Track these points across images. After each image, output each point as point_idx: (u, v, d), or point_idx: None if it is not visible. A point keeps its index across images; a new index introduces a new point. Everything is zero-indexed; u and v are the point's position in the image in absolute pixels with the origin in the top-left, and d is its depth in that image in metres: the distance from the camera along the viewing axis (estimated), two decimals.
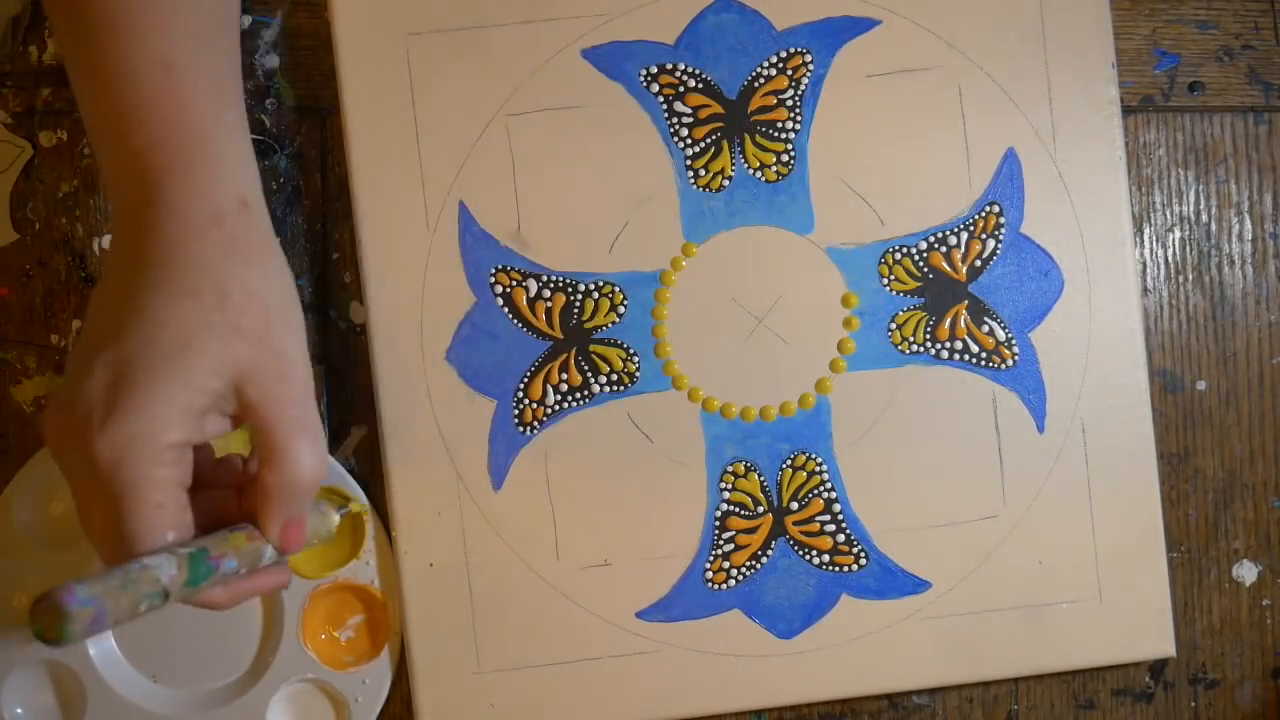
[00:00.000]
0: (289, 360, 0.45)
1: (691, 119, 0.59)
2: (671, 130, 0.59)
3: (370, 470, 0.60)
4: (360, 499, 0.59)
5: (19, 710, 0.59)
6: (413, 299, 0.59)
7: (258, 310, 0.44)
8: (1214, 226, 0.61)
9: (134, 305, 0.43)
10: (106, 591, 0.40)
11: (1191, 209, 0.61)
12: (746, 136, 0.59)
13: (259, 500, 0.45)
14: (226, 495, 0.47)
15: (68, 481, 0.44)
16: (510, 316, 0.59)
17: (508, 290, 0.59)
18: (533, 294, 0.59)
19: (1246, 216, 0.61)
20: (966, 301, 0.59)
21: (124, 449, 0.41)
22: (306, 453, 0.44)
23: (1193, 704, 0.62)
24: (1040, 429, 0.59)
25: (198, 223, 0.44)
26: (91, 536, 0.43)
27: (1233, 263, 0.61)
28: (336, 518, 0.52)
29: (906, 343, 0.59)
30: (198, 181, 0.45)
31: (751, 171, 0.59)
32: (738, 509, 0.59)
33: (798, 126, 0.59)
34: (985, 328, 0.59)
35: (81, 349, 0.44)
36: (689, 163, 0.59)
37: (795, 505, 0.59)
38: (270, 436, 0.44)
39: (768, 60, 0.59)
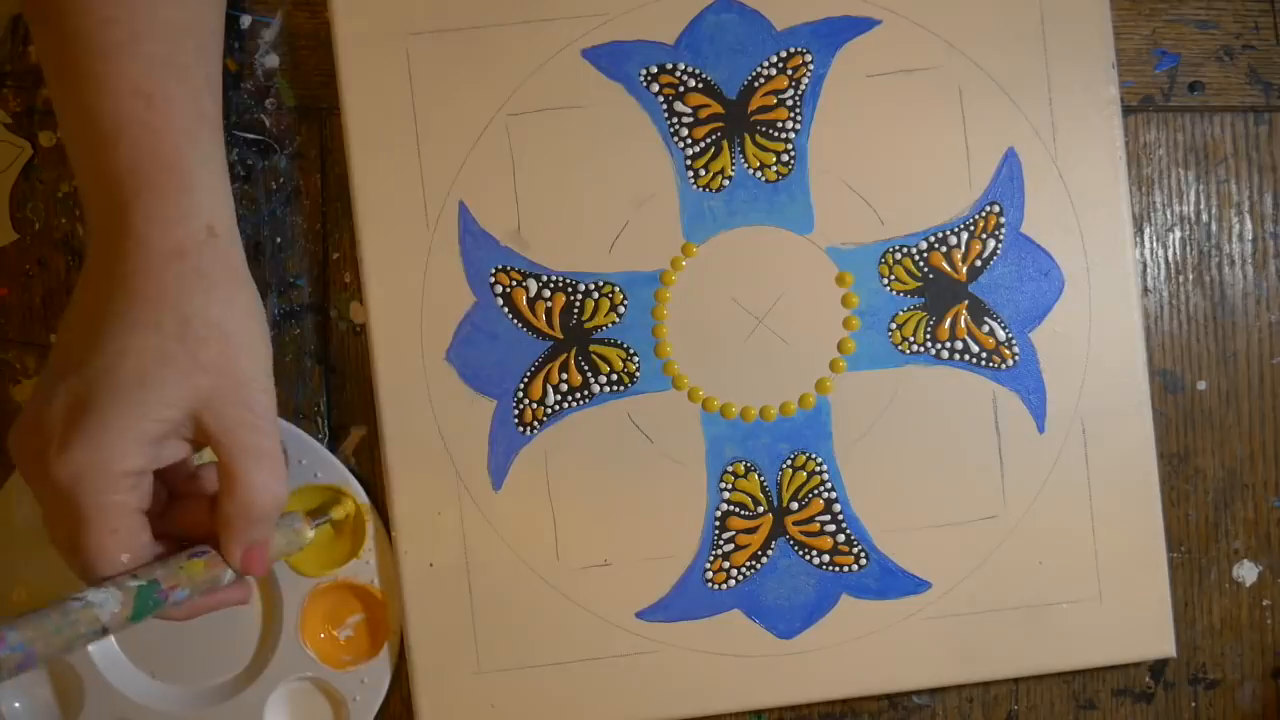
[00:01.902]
0: (249, 389, 0.46)
1: (691, 119, 0.59)
2: (671, 130, 0.59)
3: (370, 470, 0.60)
4: (356, 497, 0.59)
5: (17, 705, 0.59)
6: (413, 299, 0.59)
7: (218, 340, 0.45)
8: (1214, 226, 0.61)
9: (97, 333, 0.44)
10: (38, 636, 0.41)
11: (1192, 209, 0.61)
12: (746, 136, 0.59)
13: (219, 527, 0.46)
14: (201, 504, 0.48)
15: (34, 496, 0.45)
16: (510, 316, 0.59)
17: (508, 290, 0.59)
18: (533, 294, 0.59)
19: (1247, 216, 0.61)
20: (966, 301, 0.59)
21: (79, 475, 0.42)
22: (264, 480, 0.45)
23: (1193, 704, 0.61)
24: (1040, 429, 0.59)
25: (163, 252, 0.45)
26: (58, 549, 0.45)
27: (1233, 263, 0.61)
28: (310, 533, 0.53)
29: (907, 343, 0.59)
30: (167, 212, 0.46)
31: (751, 171, 0.59)
32: (738, 509, 0.59)
33: (798, 126, 0.59)
34: (985, 328, 0.59)
35: (47, 372, 0.45)
36: (689, 163, 0.59)
37: (795, 505, 0.59)
38: (228, 464, 0.45)
39: (768, 60, 0.59)
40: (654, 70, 0.59)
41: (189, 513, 0.48)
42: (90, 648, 0.59)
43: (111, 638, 0.60)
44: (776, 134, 0.59)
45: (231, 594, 0.49)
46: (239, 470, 0.45)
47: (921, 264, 0.59)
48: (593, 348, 0.59)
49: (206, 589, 0.47)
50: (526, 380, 0.59)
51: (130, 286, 0.45)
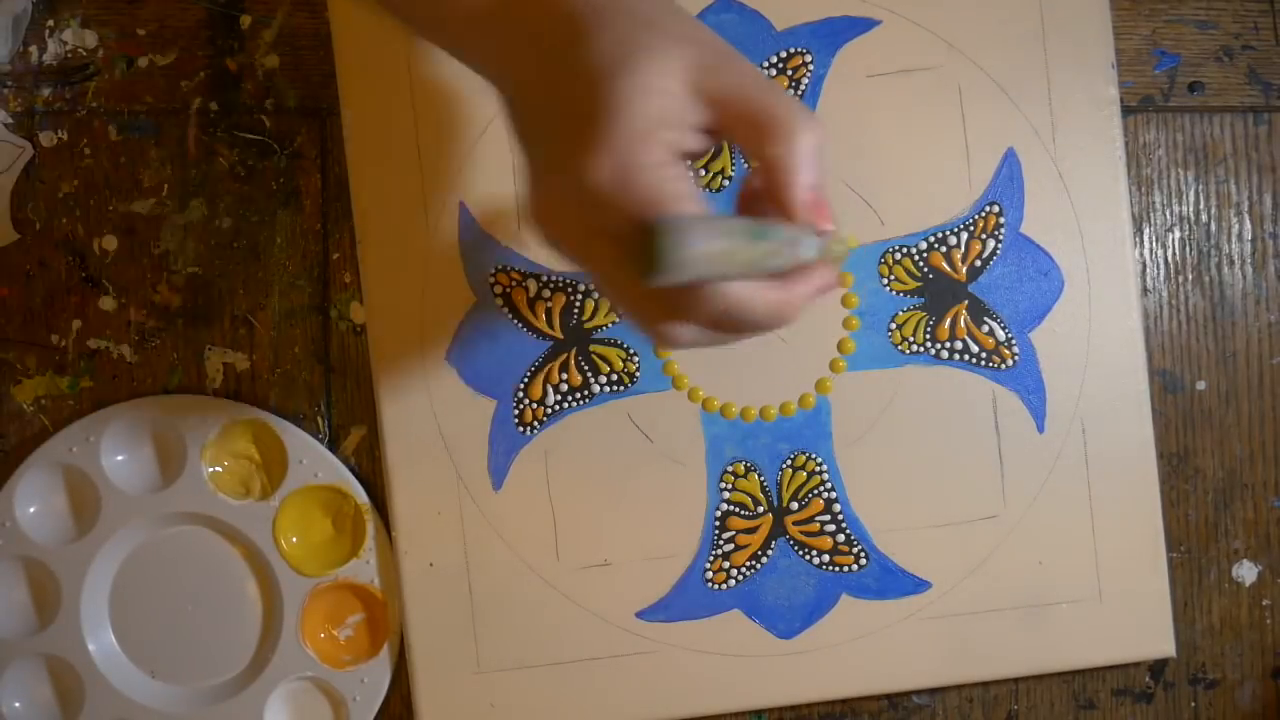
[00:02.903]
0: (734, 52, 0.42)
1: None
2: None
3: (370, 470, 0.60)
4: (358, 496, 0.59)
5: (17, 705, 0.60)
6: (413, 299, 0.59)
7: (676, 21, 0.41)
8: (1214, 226, 0.61)
9: (573, 62, 0.40)
10: (695, 222, 0.37)
11: (1191, 209, 0.61)
12: None
13: (775, 180, 0.41)
14: None
15: (575, 252, 0.40)
16: (510, 316, 0.59)
17: (508, 290, 0.59)
18: (533, 294, 0.59)
19: (1246, 216, 0.61)
20: (966, 301, 0.59)
21: (623, 160, 0.38)
22: (799, 113, 0.41)
23: (1193, 704, 0.62)
24: (1040, 429, 0.59)
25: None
26: (624, 296, 0.41)
27: (1232, 263, 0.61)
28: (841, 237, 0.45)
29: (906, 343, 0.59)
30: None
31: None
32: (738, 509, 0.59)
33: None
34: (985, 328, 0.59)
35: (544, 132, 0.41)
36: (689, 163, 0.59)
37: (795, 505, 0.59)
38: (756, 113, 0.40)
39: (768, 60, 0.59)
40: None
41: None
42: (90, 646, 0.59)
43: (111, 634, 0.60)
44: None
45: (823, 274, 0.42)
46: (769, 112, 0.40)
47: (921, 264, 0.59)
48: (593, 348, 0.59)
49: (793, 253, 0.40)
50: (526, 380, 0.59)
51: (571, 13, 0.40)
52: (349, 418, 0.60)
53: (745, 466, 0.59)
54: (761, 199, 0.42)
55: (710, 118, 0.40)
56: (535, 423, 0.59)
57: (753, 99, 0.40)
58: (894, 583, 0.59)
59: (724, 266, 0.38)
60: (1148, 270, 0.61)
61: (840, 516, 0.59)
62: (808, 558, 0.59)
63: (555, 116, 0.40)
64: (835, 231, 0.42)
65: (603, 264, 0.40)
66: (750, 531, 0.59)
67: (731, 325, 0.41)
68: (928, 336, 0.59)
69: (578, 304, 0.59)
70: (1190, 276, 0.61)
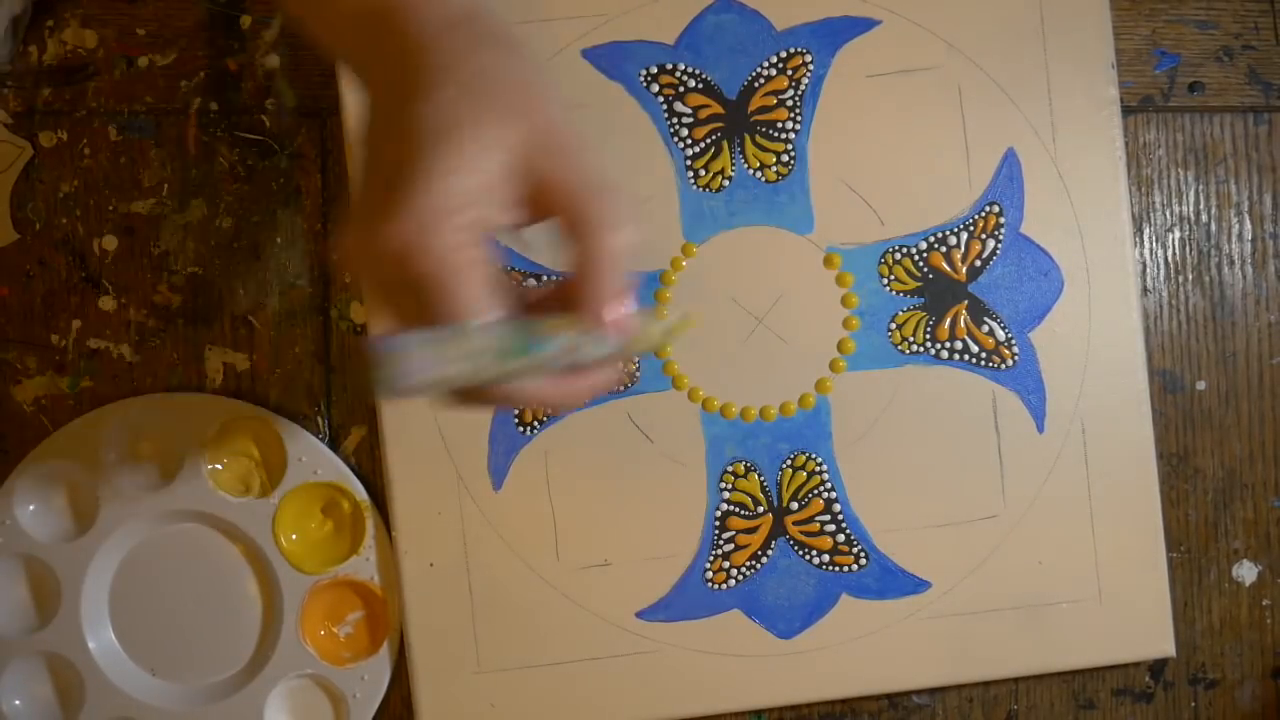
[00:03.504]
0: (566, 134, 0.42)
1: (691, 119, 0.59)
2: (671, 130, 0.59)
3: (370, 470, 0.60)
4: (356, 493, 0.59)
5: (17, 703, 0.60)
6: None
7: (520, 90, 0.41)
8: (1214, 226, 0.61)
9: (398, 125, 0.40)
10: (424, 341, 0.38)
11: (1191, 209, 0.61)
12: (746, 136, 0.59)
13: (579, 279, 0.41)
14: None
15: (373, 296, 0.42)
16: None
17: None
18: None
19: (1246, 216, 0.61)
20: (966, 301, 0.59)
21: (421, 228, 0.39)
22: (609, 213, 0.41)
23: (1193, 704, 0.61)
24: (1040, 429, 0.59)
25: (438, 24, 0.42)
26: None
27: (1232, 263, 0.61)
28: (662, 325, 0.45)
29: (906, 343, 0.59)
30: (429, 3, 0.42)
31: (751, 171, 0.59)
32: (738, 509, 0.59)
33: (798, 127, 0.59)
34: (985, 328, 0.59)
35: (365, 179, 0.42)
36: (689, 163, 0.59)
37: (795, 505, 0.59)
38: (574, 205, 0.41)
39: (768, 60, 0.59)
40: (654, 70, 0.59)
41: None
42: (90, 644, 0.59)
43: (111, 632, 0.60)
44: (776, 134, 0.59)
45: (600, 376, 0.43)
46: (586, 209, 0.40)
47: (921, 264, 0.59)
48: None
49: (569, 359, 0.41)
50: None
51: (419, 64, 0.41)
52: (349, 418, 0.60)
53: (745, 466, 0.59)
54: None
55: (528, 196, 0.41)
56: (535, 423, 0.59)
57: (568, 192, 0.40)
58: (894, 583, 0.59)
59: (464, 381, 0.39)
60: (1148, 270, 0.61)
61: (840, 516, 0.59)
62: (808, 558, 0.59)
63: (377, 165, 0.41)
64: (651, 320, 0.44)
65: (397, 312, 0.41)
66: (750, 531, 0.59)
67: (505, 404, 0.42)
68: (928, 336, 0.59)
69: None
70: (1190, 276, 0.61)
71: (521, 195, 0.41)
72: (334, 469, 0.59)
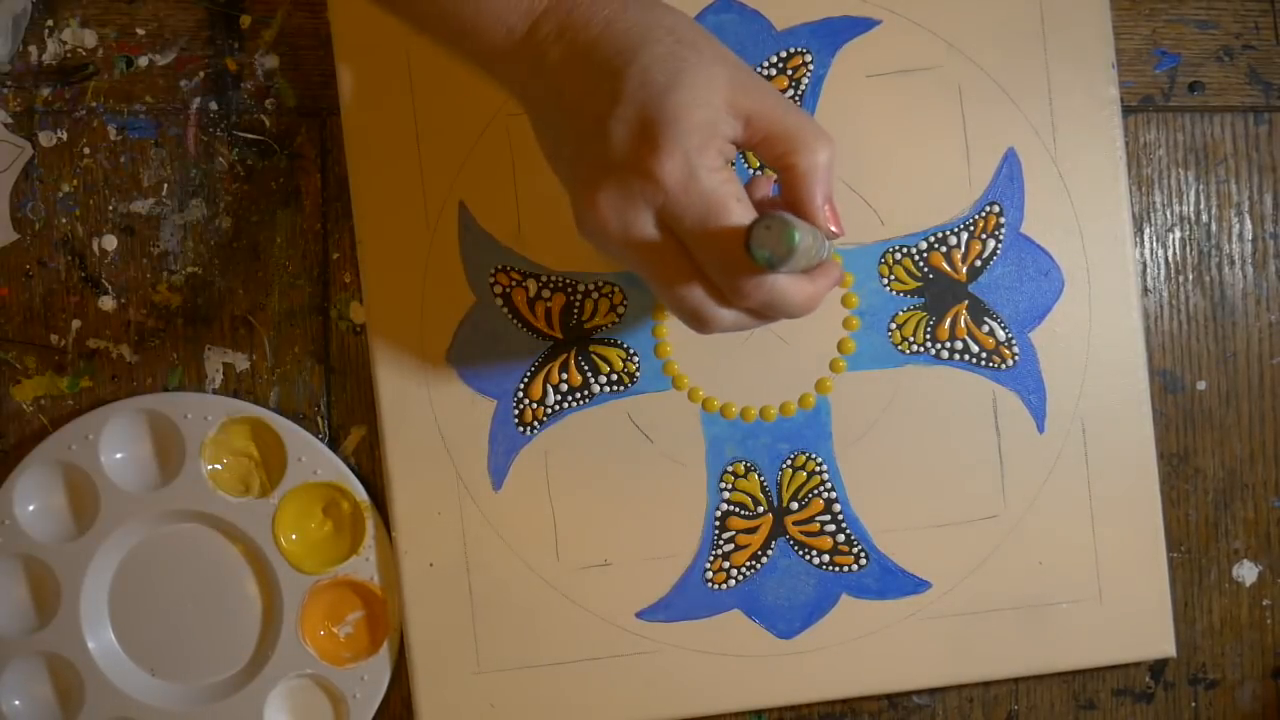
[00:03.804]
0: (753, 73, 0.47)
1: None
2: None
3: (370, 470, 0.60)
4: (356, 494, 0.59)
5: (17, 703, 0.60)
6: (413, 299, 0.59)
7: (705, 39, 0.46)
8: (1214, 226, 0.61)
9: (626, 79, 0.44)
10: (797, 219, 0.41)
11: (1191, 209, 0.61)
12: None
13: (798, 190, 0.46)
14: None
15: (634, 256, 0.45)
16: (510, 316, 0.59)
17: (508, 290, 0.59)
18: (532, 294, 0.59)
19: (1246, 216, 0.61)
20: (966, 301, 0.59)
21: (687, 166, 0.43)
22: (817, 133, 0.46)
23: (1193, 704, 0.61)
24: (1040, 429, 0.59)
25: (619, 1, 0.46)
26: (669, 292, 0.45)
27: (1233, 263, 0.61)
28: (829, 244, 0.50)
29: (906, 343, 0.59)
30: None
31: (752, 172, 0.59)
32: (738, 509, 0.59)
33: None
34: (985, 328, 0.59)
35: (572, 152, 0.46)
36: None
37: (795, 505, 0.59)
38: (781, 130, 0.45)
39: (768, 60, 0.59)
40: None
41: None
42: (90, 644, 0.59)
43: (111, 632, 0.60)
44: None
45: (832, 272, 0.48)
46: (794, 129, 0.45)
47: (921, 264, 0.59)
48: (593, 348, 0.59)
49: (812, 256, 0.45)
50: (526, 380, 0.59)
51: (616, 31, 0.45)
52: (349, 418, 0.60)
53: (745, 466, 0.59)
54: (774, 207, 0.46)
55: (740, 131, 0.45)
56: (535, 423, 0.59)
57: (779, 117, 0.45)
58: (894, 583, 0.59)
59: (805, 259, 0.43)
60: (1148, 270, 0.61)
61: (840, 516, 0.59)
62: (808, 558, 0.59)
63: (609, 124, 0.44)
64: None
65: (656, 257, 0.45)
66: (750, 531, 0.59)
67: (768, 313, 0.46)
68: (928, 336, 0.59)
69: (577, 304, 0.59)
70: (1190, 276, 0.61)
71: (736, 131, 0.45)
72: (334, 469, 0.59)
